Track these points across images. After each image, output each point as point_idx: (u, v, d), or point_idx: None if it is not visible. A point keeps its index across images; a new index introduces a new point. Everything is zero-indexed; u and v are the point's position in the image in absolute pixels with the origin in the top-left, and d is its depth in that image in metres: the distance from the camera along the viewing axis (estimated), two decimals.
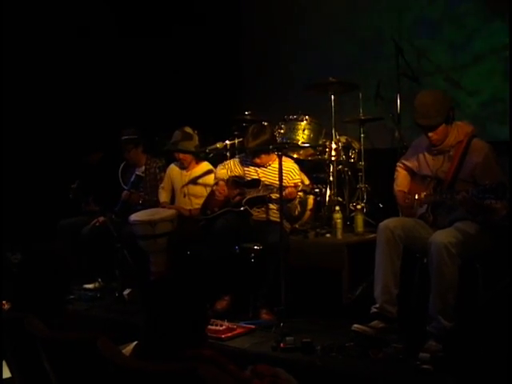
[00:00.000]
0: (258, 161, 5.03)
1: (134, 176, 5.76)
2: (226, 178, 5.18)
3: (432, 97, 4.02)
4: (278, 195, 4.62)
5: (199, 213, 5.38)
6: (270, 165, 5.06)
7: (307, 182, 5.34)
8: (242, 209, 4.92)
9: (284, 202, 4.57)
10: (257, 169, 5.09)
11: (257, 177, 5.05)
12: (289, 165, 5.01)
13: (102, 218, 5.74)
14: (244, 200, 4.93)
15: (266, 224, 4.88)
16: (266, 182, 4.95)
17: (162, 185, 5.84)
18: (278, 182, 4.73)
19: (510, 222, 3.75)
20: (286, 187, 4.64)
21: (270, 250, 4.58)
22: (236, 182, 5.12)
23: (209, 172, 5.61)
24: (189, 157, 5.67)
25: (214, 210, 5.08)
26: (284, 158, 4.85)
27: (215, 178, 5.30)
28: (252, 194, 4.93)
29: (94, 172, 6.28)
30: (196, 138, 5.69)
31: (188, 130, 5.69)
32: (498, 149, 4.01)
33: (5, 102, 6.46)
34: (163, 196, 5.80)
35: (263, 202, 4.94)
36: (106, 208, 5.73)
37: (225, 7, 7.95)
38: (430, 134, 4.00)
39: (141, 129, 6.14)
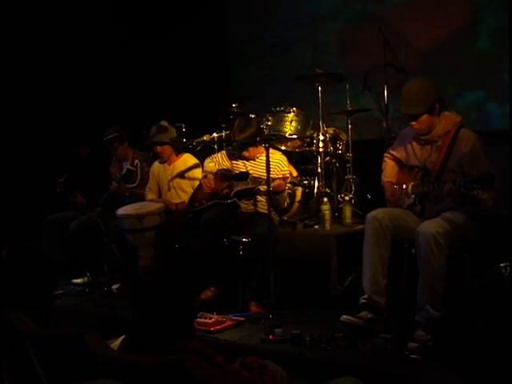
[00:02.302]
0: (246, 154, 5.02)
1: (124, 169, 5.75)
2: (214, 171, 5.17)
3: (419, 86, 4.03)
4: (266, 187, 4.63)
5: (187, 206, 5.40)
6: (258, 157, 5.05)
7: (295, 173, 5.34)
8: (229, 201, 4.92)
9: (273, 195, 4.56)
10: (245, 162, 5.08)
11: (245, 170, 5.04)
12: (277, 156, 5.01)
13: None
14: (232, 192, 4.92)
15: (254, 216, 4.87)
16: (255, 175, 4.94)
17: (148, 186, 5.80)
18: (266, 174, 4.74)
19: (509, 210, 3.77)
20: (275, 179, 4.63)
21: (258, 241, 4.57)
22: (224, 175, 5.10)
23: (195, 166, 5.57)
24: (167, 150, 5.63)
25: (202, 203, 5.08)
26: (272, 150, 4.89)
27: (203, 171, 5.29)
28: (240, 186, 4.92)
29: (82, 166, 6.26)
30: (172, 130, 5.66)
31: (163, 123, 5.66)
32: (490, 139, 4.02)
33: None
34: (150, 196, 5.76)
35: (252, 194, 4.94)
36: (93, 202, 5.72)
37: (211, 1, 7.92)
38: (412, 123, 4.02)
39: (128, 123, 6.11)
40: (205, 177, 5.16)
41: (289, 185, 4.79)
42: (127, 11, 7.46)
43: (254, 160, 5.06)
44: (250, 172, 4.99)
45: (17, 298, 2.87)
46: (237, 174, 5.05)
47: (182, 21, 7.76)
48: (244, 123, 4.98)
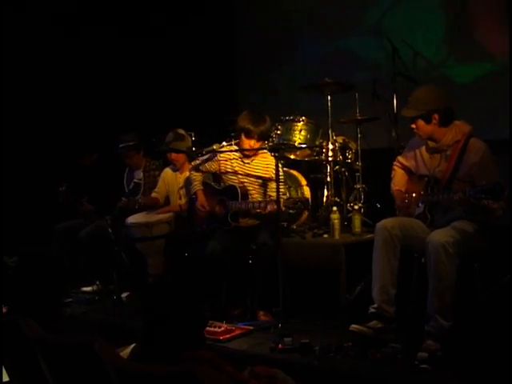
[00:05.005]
0: (251, 143, 4.80)
1: (132, 184, 5.77)
2: (201, 184, 5.04)
3: (423, 91, 4.08)
4: (259, 210, 4.61)
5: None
6: (253, 160, 4.93)
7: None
8: (229, 228, 4.80)
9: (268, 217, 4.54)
10: (233, 163, 4.94)
11: (232, 170, 4.92)
12: (271, 158, 4.86)
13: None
14: (229, 215, 4.79)
15: (258, 226, 4.80)
16: (250, 173, 4.86)
17: (155, 189, 5.82)
18: (260, 175, 4.82)
19: (510, 220, 3.75)
20: (267, 203, 4.52)
21: (260, 250, 4.58)
22: (211, 188, 5.01)
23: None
24: (181, 158, 5.65)
25: (203, 228, 5.01)
26: (265, 154, 4.89)
27: (193, 186, 5.08)
28: (234, 207, 4.77)
29: (88, 174, 6.27)
30: (188, 139, 5.68)
31: (181, 131, 5.69)
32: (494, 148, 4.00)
33: None
34: (153, 195, 5.78)
35: (248, 214, 4.82)
36: (102, 209, 5.73)
37: (220, 8, 7.95)
38: (411, 126, 4.06)
39: (138, 131, 6.13)
40: (195, 194, 5.02)
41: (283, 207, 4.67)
42: (135, 17, 7.47)
43: (250, 162, 4.92)
44: (247, 172, 4.90)
45: (27, 304, 2.88)
46: (224, 188, 4.94)
47: (191, 28, 7.79)
48: (260, 116, 4.84)
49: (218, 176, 5.10)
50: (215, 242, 4.75)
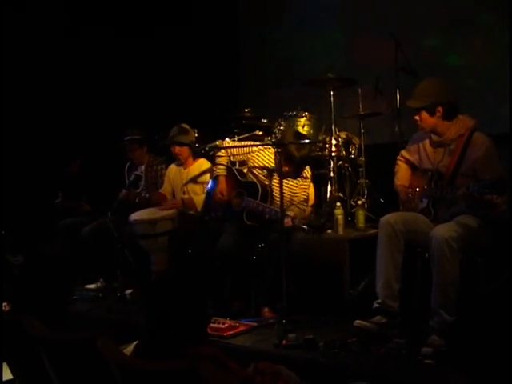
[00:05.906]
0: (285, 167, 4.69)
1: (132, 176, 5.78)
2: (226, 165, 5.02)
3: (427, 83, 4.07)
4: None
5: (194, 203, 5.45)
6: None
7: (312, 195, 5.27)
8: (245, 224, 4.81)
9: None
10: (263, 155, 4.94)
11: (262, 162, 4.92)
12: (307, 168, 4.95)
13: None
14: (245, 214, 4.78)
15: (268, 222, 4.79)
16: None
17: (162, 188, 5.83)
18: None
19: (510, 215, 3.74)
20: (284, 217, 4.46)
21: (270, 246, 4.56)
22: (233, 176, 4.98)
23: (209, 170, 5.57)
24: (185, 151, 5.66)
25: (218, 214, 5.01)
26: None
27: (216, 165, 5.06)
28: (250, 206, 4.77)
29: (78, 180, 6.31)
30: (192, 133, 5.69)
31: (185, 125, 5.70)
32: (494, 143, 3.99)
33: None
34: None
35: (261, 217, 4.80)
36: (102, 207, 5.74)
37: (222, 5, 7.94)
38: (415, 117, 4.05)
39: (143, 128, 6.15)
40: (217, 178, 5.03)
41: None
42: (136, 15, 7.46)
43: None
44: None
45: (32, 303, 2.88)
46: (246, 182, 4.93)
47: (194, 25, 7.77)
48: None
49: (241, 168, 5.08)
50: (228, 235, 4.75)
